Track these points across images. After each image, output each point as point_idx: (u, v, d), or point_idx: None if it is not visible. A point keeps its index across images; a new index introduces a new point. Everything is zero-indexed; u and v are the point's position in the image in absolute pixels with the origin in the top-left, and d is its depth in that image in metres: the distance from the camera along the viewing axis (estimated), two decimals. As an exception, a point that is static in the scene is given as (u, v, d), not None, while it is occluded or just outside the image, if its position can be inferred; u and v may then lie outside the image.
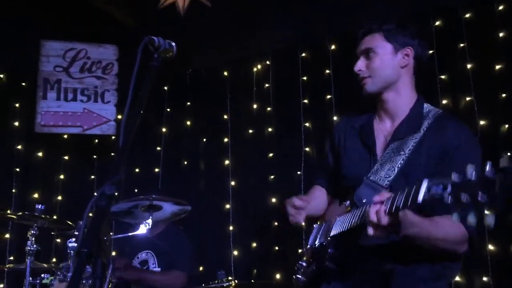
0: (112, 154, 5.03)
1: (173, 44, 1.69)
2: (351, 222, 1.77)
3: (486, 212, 1.20)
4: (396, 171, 1.83)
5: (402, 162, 1.84)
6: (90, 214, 1.16)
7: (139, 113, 1.42)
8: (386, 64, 1.97)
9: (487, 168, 1.22)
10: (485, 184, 1.20)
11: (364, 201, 1.81)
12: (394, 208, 1.51)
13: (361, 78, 2.00)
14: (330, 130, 2.25)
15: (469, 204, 1.21)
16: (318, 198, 2.22)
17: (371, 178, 1.87)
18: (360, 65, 2.01)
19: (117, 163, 1.26)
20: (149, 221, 3.15)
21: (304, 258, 2.04)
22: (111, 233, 3.59)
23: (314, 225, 2.09)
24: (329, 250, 1.86)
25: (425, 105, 2.00)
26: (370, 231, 1.59)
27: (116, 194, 1.16)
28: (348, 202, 1.90)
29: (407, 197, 1.45)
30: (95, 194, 1.15)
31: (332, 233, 1.88)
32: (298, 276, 2.03)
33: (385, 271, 1.82)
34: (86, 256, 1.07)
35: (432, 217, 1.68)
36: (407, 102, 1.99)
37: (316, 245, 1.96)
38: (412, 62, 2.00)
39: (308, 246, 2.00)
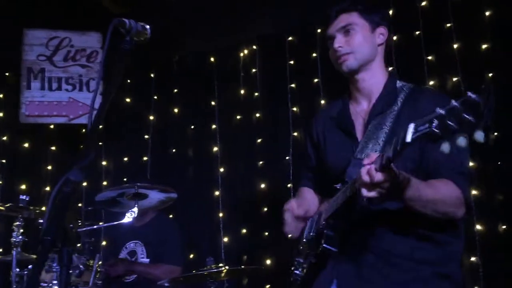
0: (100, 143, 4.98)
1: (147, 26, 1.63)
2: (344, 196, 1.73)
3: (474, 130, 1.18)
4: (381, 145, 1.82)
5: (385, 135, 1.83)
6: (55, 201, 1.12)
7: (109, 98, 1.38)
8: (367, 40, 1.96)
9: (469, 93, 1.21)
10: (469, 107, 1.19)
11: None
12: (384, 159, 1.46)
13: (341, 55, 1.95)
14: (310, 126, 2.21)
15: (457, 129, 1.21)
16: (311, 199, 2.18)
17: (358, 156, 1.86)
18: (340, 41, 1.96)
19: (85, 148, 1.23)
20: (135, 209, 3.11)
21: (300, 253, 2.01)
22: (101, 222, 3.55)
23: (307, 221, 2.05)
24: (325, 231, 1.83)
25: (398, 81, 2.00)
26: (364, 192, 1.52)
27: (82, 180, 1.12)
28: (339, 185, 1.87)
29: (395, 144, 1.41)
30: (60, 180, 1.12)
31: (325, 216, 1.86)
32: (295, 271, 2.01)
33: (382, 247, 1.81)
34: (50, 244, 1.04)
35: (427, 181, 1.68)
36: (381, 81, 1.99)
37: (311, 235, 1.94)
38: (385, 43, 2.02)
39: (304, 240, 1.98)
